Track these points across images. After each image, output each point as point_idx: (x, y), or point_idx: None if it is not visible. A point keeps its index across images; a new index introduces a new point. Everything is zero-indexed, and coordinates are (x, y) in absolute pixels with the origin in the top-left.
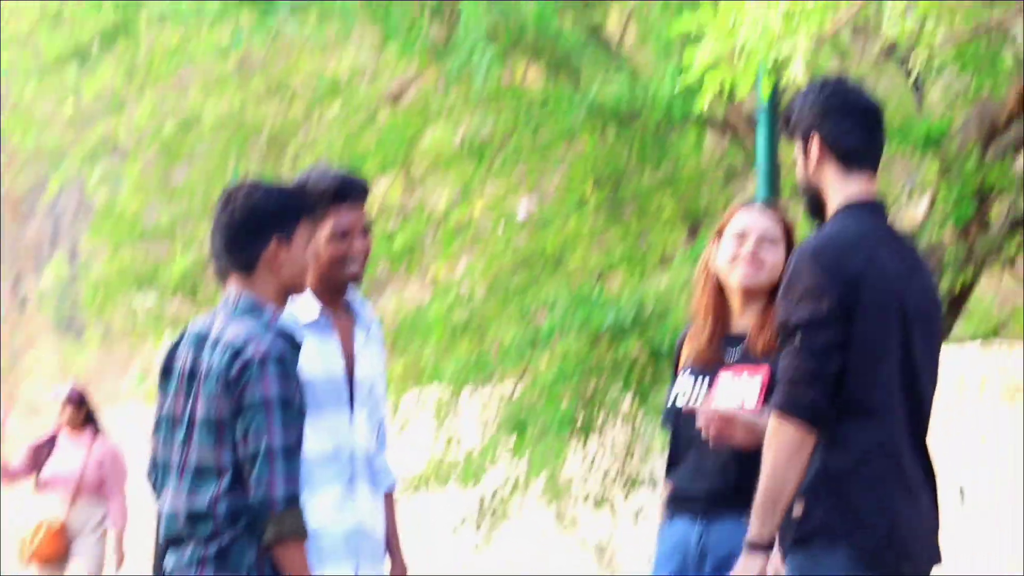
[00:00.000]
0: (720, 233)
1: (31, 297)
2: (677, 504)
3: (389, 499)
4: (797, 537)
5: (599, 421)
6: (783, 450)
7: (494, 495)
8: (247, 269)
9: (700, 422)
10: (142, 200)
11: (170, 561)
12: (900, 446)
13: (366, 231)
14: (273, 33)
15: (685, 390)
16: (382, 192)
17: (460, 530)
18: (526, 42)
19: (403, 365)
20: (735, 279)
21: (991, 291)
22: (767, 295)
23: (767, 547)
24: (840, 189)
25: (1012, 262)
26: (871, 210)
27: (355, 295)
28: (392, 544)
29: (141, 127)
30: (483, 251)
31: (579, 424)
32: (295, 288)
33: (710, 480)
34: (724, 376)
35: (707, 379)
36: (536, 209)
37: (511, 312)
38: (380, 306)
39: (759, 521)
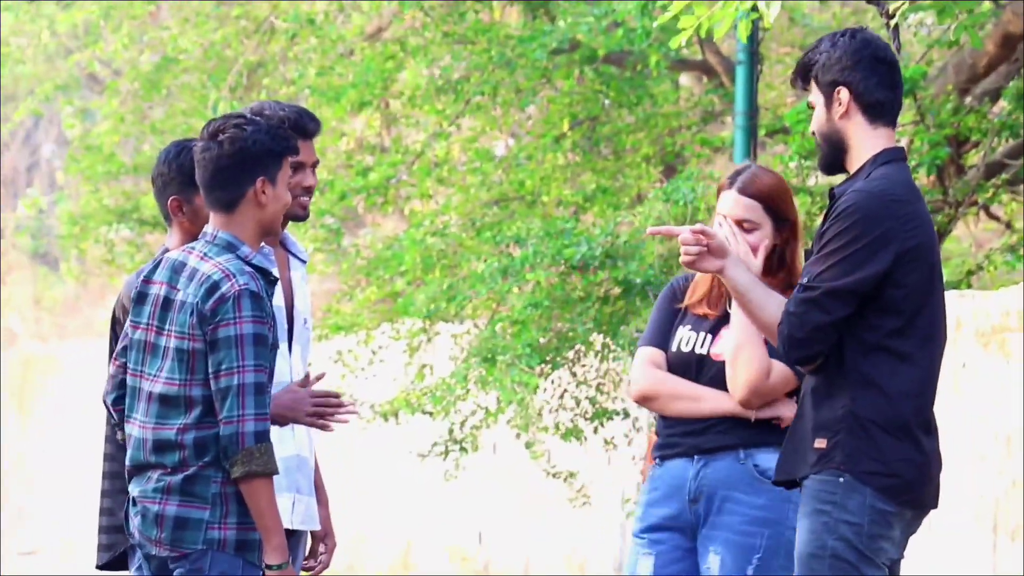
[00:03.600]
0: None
1: (7, 229)
2: (670, 448)
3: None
4: (817, 467)
5: (570, 354)
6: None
7: (463, 424)
8: (229, 208)
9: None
10: (119, 135)
11: (135, 489)
12: (929, 393)
13: (315, 167)
14: None
15: (687, 339)
16: (358, 128)
17: (429, 460)
18: None
19: (376, 295)
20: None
21: (967, 237)
22: (767, 257)
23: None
24: (868, 141)
25: (988, 208)
26: (902, 161)
27: (287, 232)
28: (317, 477)
29: (118, 61)
30: (459, 187)
31: (550, 357)
32: (273, 229)
33: (706, 419)
34: (727, 331)
35: (710, 331)
36: (513, 146)
37: (485, 244)
38: (356, 241)
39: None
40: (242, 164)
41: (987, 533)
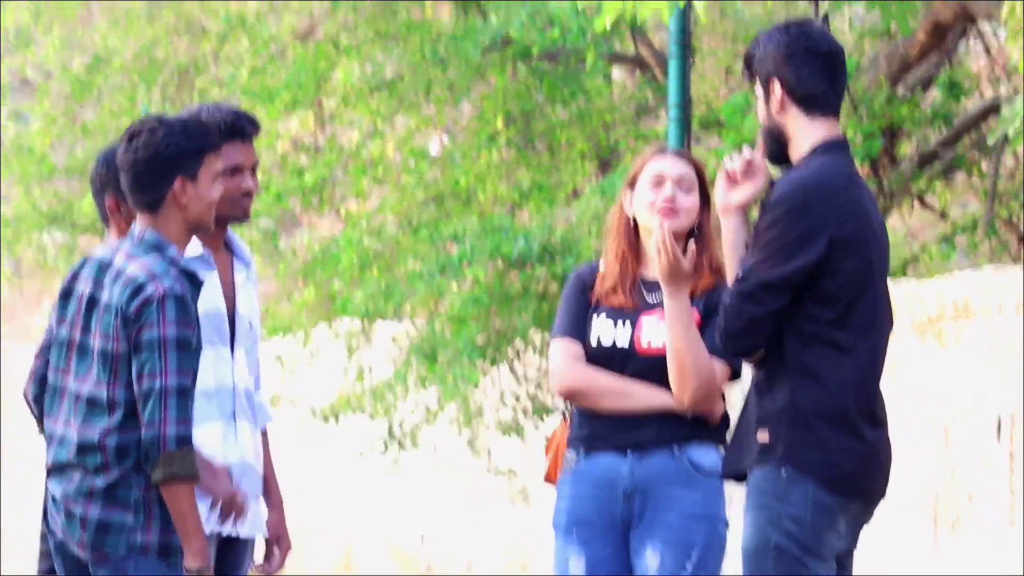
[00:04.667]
0: (634, 180)
1: None
2: (595, 439)
3: (265, 436)
4: (760, 461)
5: (509, 351)
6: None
7: (402, 423)
8: (152, 208)
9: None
10: (51, 137)
11: (56, 488)
12: (870, 383)
13: (254, 169)
14: None
15: (606, 331)
16: (293, 129)
17: (368, 456)
18: None
19: (315, 296)
20: (652, 224)
21: (902, 227)
22: (684, 239)
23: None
24: (806, 133)
25: (922, 198)
26: (842, 150)
27: (233, 234)
28: (269, 480)
29: (49, 63)
30: (395, 186)
31: (490, 353)
32: (201, 225)
33: (637, 415)
34: (648, 319)
35: (628, 322)
36: (447, 144)
37: (422, 243)
38: (293, 242)
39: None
40: (158, 166)
41: (928, 525)
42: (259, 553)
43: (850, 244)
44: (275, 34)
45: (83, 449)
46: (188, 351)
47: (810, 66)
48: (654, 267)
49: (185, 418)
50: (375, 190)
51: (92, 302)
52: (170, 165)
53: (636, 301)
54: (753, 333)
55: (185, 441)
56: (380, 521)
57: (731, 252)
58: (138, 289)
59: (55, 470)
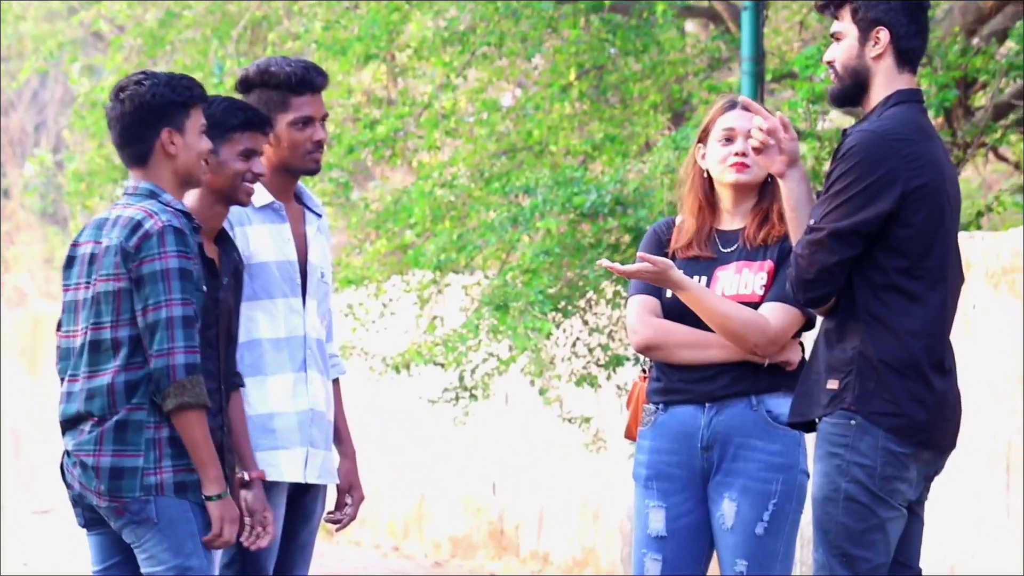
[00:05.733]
0: (705, 134)
1: (15, 188)
2: (673, 393)
3: (337, 386)
4: (829, 408)
5: (581, 303)
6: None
7: (474, 371)
8: (141, 162)
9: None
10: None
11: (69, 440)
12: (940, 333)
13: (324, 120)
14: None
15: None
16: (366, 81)
17: (439, 406)
18: None
19: (386, 248)
20: (728, 178)
21: (976, 179)
22: (757, 191)
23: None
24: (890, 83)
25: (996, 150)
26: (918, 101)
27: (303, 187)
28: (342, 430)
29: (122, 17)
30: (467, 138)
31: (561, 305)
32: (192, 178)
33: (714, 366)
34: (723, 272)
35: (704, 274)
36: (520, 96)
37: (494, 195)
38: (365, 194)
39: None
40: (144, 118)
41: (1000, 474)
42: (331, 501)
43: (922, 196)
44: None
45: (91, 395)
46: (191, 282)
47: (918, 22)
48: (728, 219)
49: (192, 347)
50: (447, 142)
51: (93, 258)
52: (157, 117)
53: (712, 252)
54: (825, 282)
55: (194, 369)
56: (452, 471)
57: (795, 208)
58: (136, 226)
59: (67, 424)
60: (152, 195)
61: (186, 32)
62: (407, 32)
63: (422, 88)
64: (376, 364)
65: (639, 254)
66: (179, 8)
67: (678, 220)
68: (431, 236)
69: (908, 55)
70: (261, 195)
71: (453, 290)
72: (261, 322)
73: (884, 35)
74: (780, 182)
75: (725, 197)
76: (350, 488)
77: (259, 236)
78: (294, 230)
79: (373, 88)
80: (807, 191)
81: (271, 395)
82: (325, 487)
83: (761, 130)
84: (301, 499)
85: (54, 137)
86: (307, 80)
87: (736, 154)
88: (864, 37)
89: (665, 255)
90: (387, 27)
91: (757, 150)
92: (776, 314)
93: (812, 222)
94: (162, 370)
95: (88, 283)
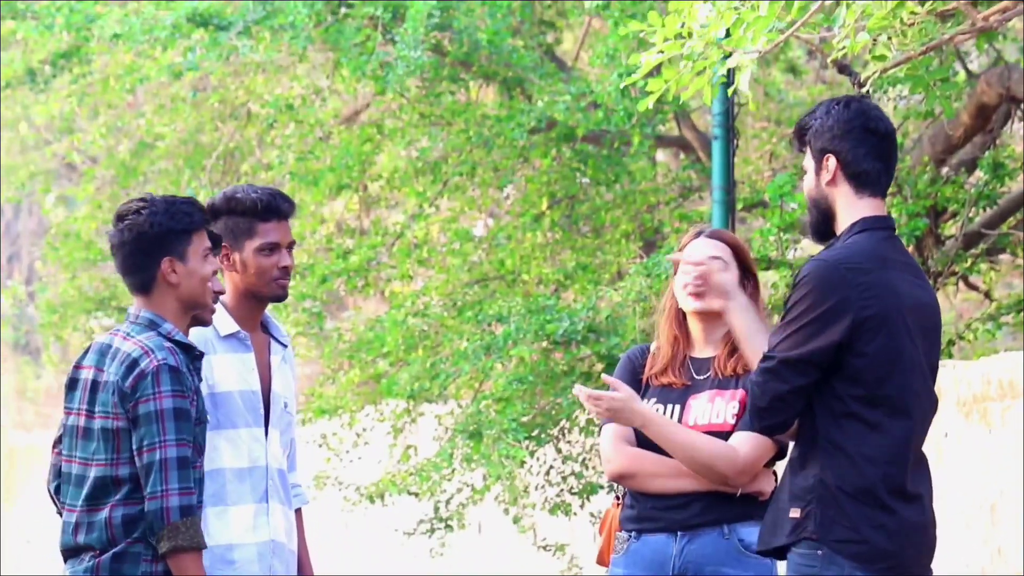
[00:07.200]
0: (677, 265)
1: None
2: (645, 520)
3: (299, 516)
4: (792, 537)
5: (555, 431)
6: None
7: (448, 502)
8: (144, 289)
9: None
10: (97, 222)
11: (69, 570)
12: (902, 461)
13: (291, 247)
14: (226, 54)
15: (657, 412)
16: (338, 211)
17: (415, 538)
18: (479, 62)
19: (360, 377)
20: (688, 306)
21: (947, 308)
22: (720, 316)
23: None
24: (851, 209)
25: (967, 279)
26: (883, 228)
27: (269, 315)
28: (303, 560)
29: (95, 149)
30: (440, 267)
31: (535, 433)
32: (196, 303)
33: (687, 495)
34: (695, 400)
35: (677, 403)
36: (492, 226)
37: (467, 324)
38: (338, 324)
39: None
40: (144, 248)
41: None
42: None
43: (874, 325)
44: (320, 118)
45: (91, 528)
46: (187, 421)
47: (867, 145)
48: (701, 347)
49: (187, 488)
50: (420, 272)
51: (95, 386)
52: (157, 246)
53: (685, 380)
54: (779, 410)
55: (189, 511)
56: None
57: (743, 338)
58: (132, 364)
59: (68, 554)
60: (152, 325)
61: (159, 163)
62: (379, 162)
63: (394, 218)
64: (350, 494)
65: (605, 378)
66: (152, 139)
67: (652, 347)
68: (404, 365)
69: (863, 179)
70: (227, 323)
71: (427, 420)
72: (224, 451)
73: (832, 162)
74: (725, 316)
75: (694, 325)
76: None
77: (223, 365)
78: (259, 359)
79: (346, 218)
80: (753, 320)
81: (232, 525)
82: None
83: (693, 266)
84: None
85: (27, 268)
86: (273, 207)
87: (687, 284)
88: (818, 167)
89: (639, 382)
90: (359, 157)
91: (697, 295)
92: (746, 443)
93: (766, 350)
94: (156, 512)
95: (90, 412)
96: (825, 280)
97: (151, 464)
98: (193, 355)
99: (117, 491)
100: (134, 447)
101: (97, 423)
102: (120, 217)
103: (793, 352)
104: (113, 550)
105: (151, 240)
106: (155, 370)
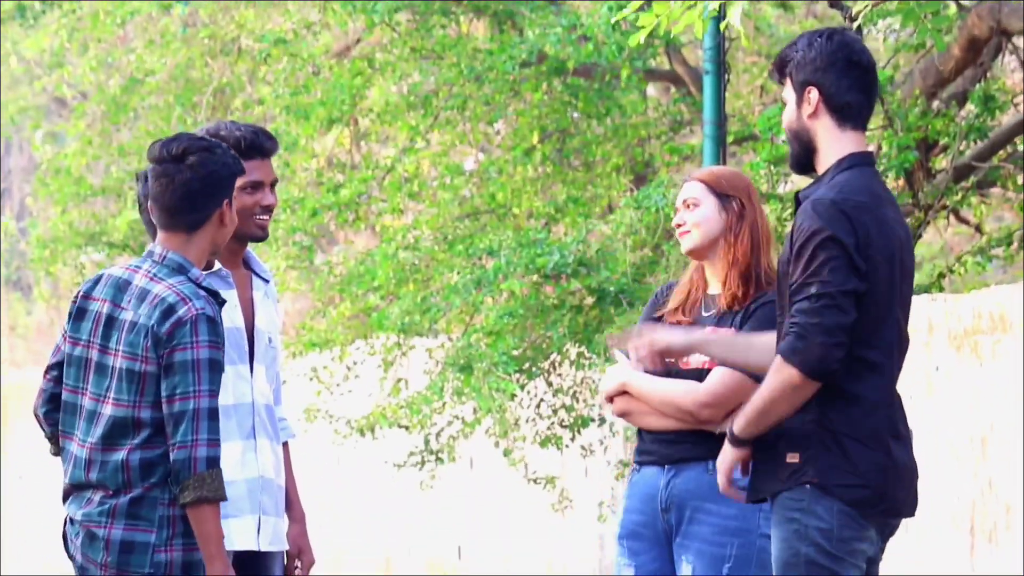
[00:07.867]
0: None
1: None
2: (644, 454)
3: (286, 449)
4: (789, 483)
5: (545, 364)
6: (782, 390)
7: (439, 435)
8: (192, 228)
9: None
10: (87, 158)
11: (75, 508)
12: (895, 400)
13: (274, 185)
14: None
15: None
16: (329, 146)
17: (405, 470)
18: None
19: (350, 311)
20: (682, 247)
21: (937, 241)
22: (708, 249)
23: (747, 444)
24: (835, 143)
25: (957, 212)
26: (870, 164)
27: (251, 252)
28: (290, 494)
29: (85, 84)
30: (430, 201)
31: (526, 366)
32: (220, 247)
33: (682, 431)
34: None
35: None
36: (483, 160)
37: (457, 258)
38: (329, 258)
39: (744, 424)
40: (212, 187)
41: (964, 535)
42: None
43: (881, 263)
44: (312, 53)
45: (105, 468)
46: (218, 373)
47: (850, 78)
48: (713, 285)
49: (215, 440)
50: (410, 206)
51: (111, 320)
52: (223, 187)
53: (692, 318)
54: (844, 344)
55: (215, 463)
56: (418, 535)
57: (724, 357)
58: (170, 310)
59: (73, 489)
60: (181, 270)
61: (149, 99)
62: (370, 96)
63: (385, 152)
64: (341, 427)
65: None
66: (142, 75)
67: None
68: (395, 299)
69: (846, 112)
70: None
71: (417, 353)
72: None
73: (814, 94)
74: (696, 351)
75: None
76: (299, 553)
77: None
78: (241, 296)
79: (336, 152)
80: (727, 344)
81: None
82: (282, 554)
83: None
84: (255, 567)
85: (17, 204)
86: (256, 144)
87: (676, 226)
88: (799, 99)
89: (657, 319)
90: (350, 91)
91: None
92: (712, 377)
93: (811, 291)
94: (183, 462)
95: (105, 348)
96: (837, 219)
97: (183, 413)
98: (220, 301)
99: (136, 434)
100: (164, 393)
101: (119, 362)
102: (185, 151)
103: (848, 285)
104: (131, 494)
105: (219, 181)
106: (194, 319)
